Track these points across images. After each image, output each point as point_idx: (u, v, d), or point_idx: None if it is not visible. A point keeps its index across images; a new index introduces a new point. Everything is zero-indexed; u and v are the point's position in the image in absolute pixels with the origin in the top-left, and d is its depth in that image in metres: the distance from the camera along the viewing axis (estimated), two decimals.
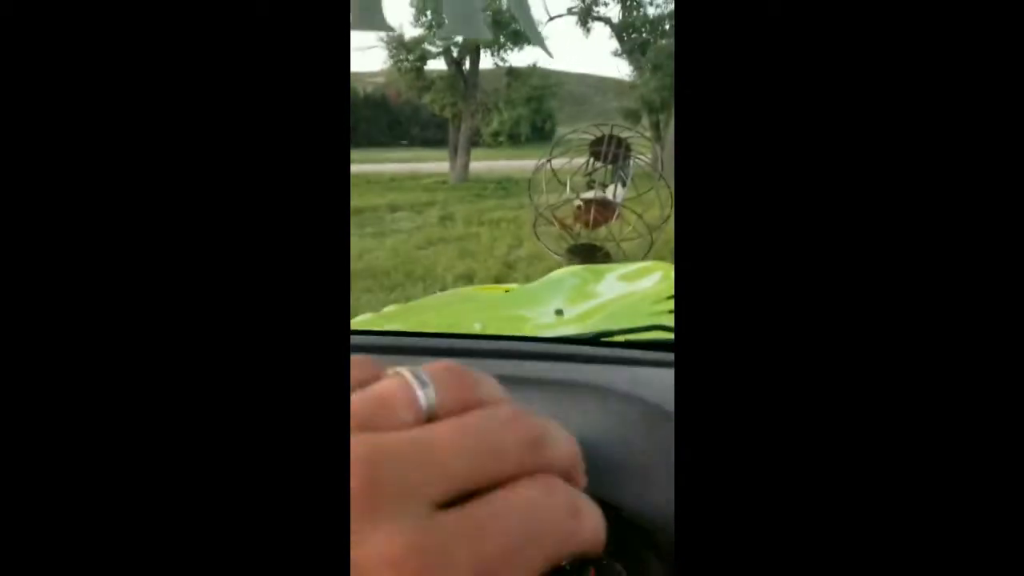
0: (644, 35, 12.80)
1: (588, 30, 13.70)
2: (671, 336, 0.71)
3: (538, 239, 4.95)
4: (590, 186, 5.33)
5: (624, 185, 5.23)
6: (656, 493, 0.44)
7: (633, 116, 12.57)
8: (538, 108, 12.08)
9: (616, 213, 4.91)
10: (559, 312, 1.02)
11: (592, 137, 5.51)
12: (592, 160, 5.51)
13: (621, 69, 14.45)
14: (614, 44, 13.17)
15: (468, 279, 4.16)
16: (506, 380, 0.45)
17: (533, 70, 12.59)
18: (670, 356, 0.62)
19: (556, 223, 4.98)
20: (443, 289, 3.81)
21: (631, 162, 5.38)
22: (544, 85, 12.32)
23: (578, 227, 4.93)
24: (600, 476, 0.41)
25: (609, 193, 5.03)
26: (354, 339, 0.66)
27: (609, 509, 0.36)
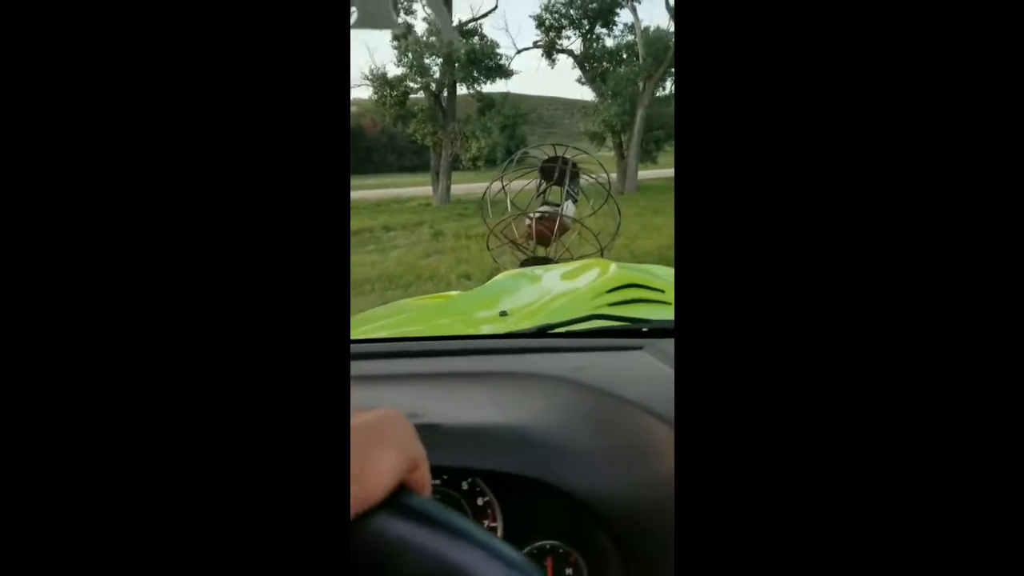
0: (604, 64, 14.06)
1: (553, 61, 14.94)
2: (608, 323, 0.75)
3: (493, 257, 5.10)
4: (546, 204, 5.43)
5: (575, 202, 5.39)
6: (603, 476, 0.44)
7: (598, 138, 13.77)
8: (511, 135, 13.15)
9: (567, 228, 5.01)
10: (503, 314, 1.03)
11: (542, 157, 5.64)
12: (542, 180, 5.62)
13: (586, 94, 15.62)
14: (578, 72, 14.43)
15: (467, 277, 5.12)
16: (455, 376, 0.59)
17: (505, 99, 13.74)
18: (607, 341, 0.66)
19: (508, 241, 5.11)
20: (449, 285, 4.76)
21: (579, 180, 5.51)
22: (516, 114, 13.47)
23: (532, 244, 5.04)
24: (548, 462, 0.46)
25: (563, 210, 5.14)
26: None
27: (561, 496, 0.45)
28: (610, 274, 1.20)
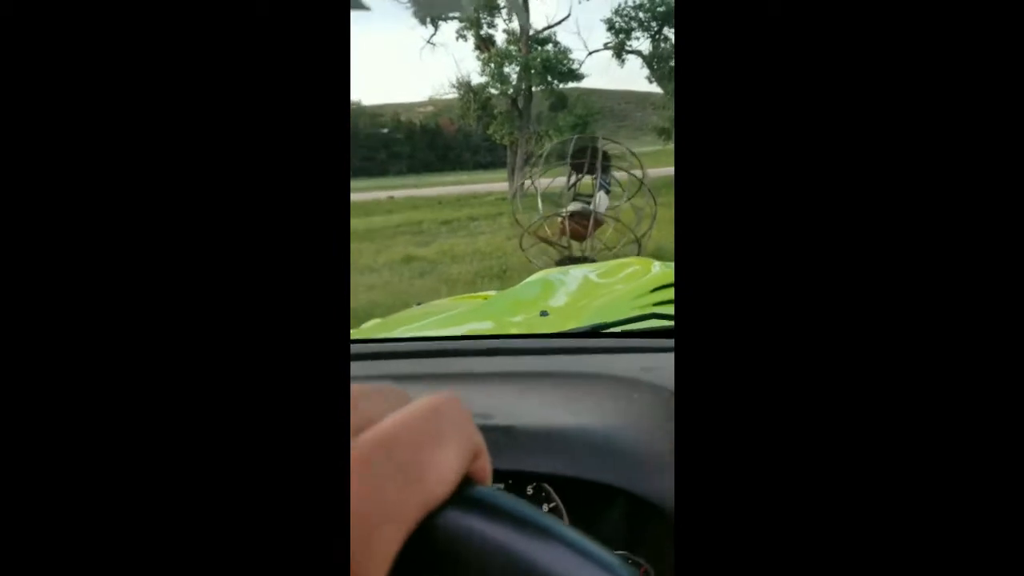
0: (671, 63, 14.78)
1: (623, 61, 15.78)
2: (668, 323, 0.72)
3: (528, 257, 5.00)
4: (577, 198, 5.39)
5: (608, 192, 5.28)
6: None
7: (665, 133, 14.58)
8: (582, 132, 14.18)
9: (601, 223, 4.91)
10: (544, 314, 1.00)
11: (573, 149, 5.61)
12: (574, 173, 5.62)
13: (655, 87, 16.39)
14: (647, 71, 15.22)
15: (544, 253, 6.27)
16: (515, 376, 0.57)
17: (577, 100, 14.76)
18: (669, 342, 0.63)
19: (542, 240, 5.01)
20: (529, 261, 5.90)
21: (611, 172, 5.46)
22: (587, 113, 14.46)
23: (565, 240, 4.95)
24: (625, 467, 0.44)
25: (596, 203, 5.03)
26: (373, 347, 0.72)
27: (630, 503, 0.43)
28: (653, 273, 1.18)
